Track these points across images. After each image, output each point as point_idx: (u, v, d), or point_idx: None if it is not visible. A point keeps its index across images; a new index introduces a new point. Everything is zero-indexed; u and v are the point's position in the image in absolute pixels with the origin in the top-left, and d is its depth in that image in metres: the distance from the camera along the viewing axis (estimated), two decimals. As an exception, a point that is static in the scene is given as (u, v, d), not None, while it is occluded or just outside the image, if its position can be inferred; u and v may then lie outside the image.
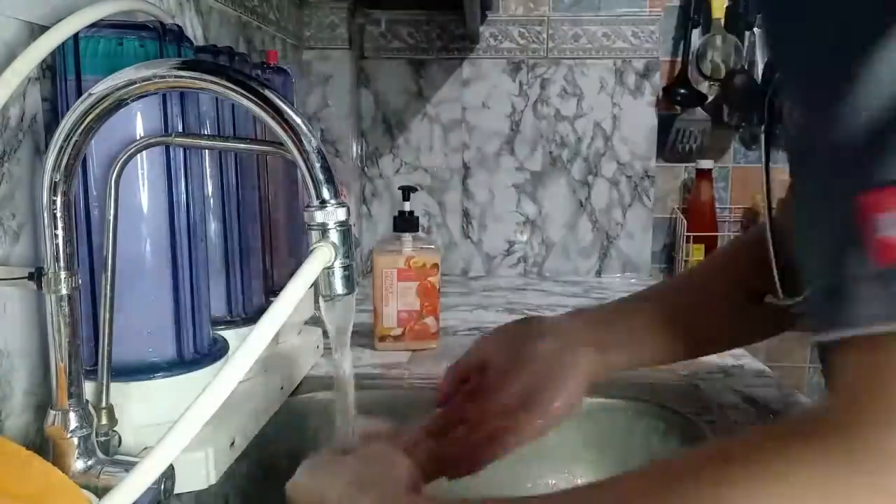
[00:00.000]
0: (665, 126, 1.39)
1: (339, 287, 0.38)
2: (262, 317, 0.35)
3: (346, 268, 0.38)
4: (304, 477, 0.44)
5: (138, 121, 0.47)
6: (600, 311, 0.62)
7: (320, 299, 0.39)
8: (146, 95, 0.42)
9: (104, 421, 0.46)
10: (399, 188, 0.92)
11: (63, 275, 0.42)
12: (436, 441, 0.55)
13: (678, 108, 1.41)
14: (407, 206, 0.89)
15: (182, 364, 0.50)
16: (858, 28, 0.27)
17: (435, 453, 0.53)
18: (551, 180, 1.37)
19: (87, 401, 0.44)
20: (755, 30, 1.36)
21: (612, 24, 1.33)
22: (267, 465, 0.70)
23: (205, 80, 0.38)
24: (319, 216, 0.37)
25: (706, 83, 1.40)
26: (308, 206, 0.38)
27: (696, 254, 1.41)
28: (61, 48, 0.45)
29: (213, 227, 0.60)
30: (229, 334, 0.58)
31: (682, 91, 1.39)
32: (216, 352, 0.53)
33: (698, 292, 0.62)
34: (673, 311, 0.60)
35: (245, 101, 0.37)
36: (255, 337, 0.34)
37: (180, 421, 0.34)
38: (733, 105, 1.40)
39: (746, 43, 1.37)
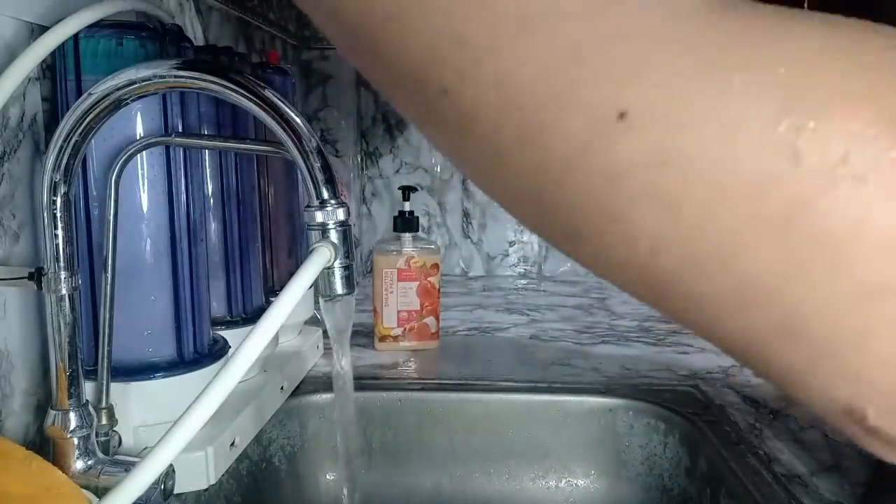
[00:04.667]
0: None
1: (339, 287, 0.38)
2: (262, 317, 0.35)
3: (346, 268, 0.38)
4: None
5: (138, 121, 0.47)
6: None
7: (320, 299, 0.39)
8: (146, 95, 0.42)
9: (104, 421, 0.46)
10: (399, 188, 0.92)
11: (63, 275, 0.42)
12: None
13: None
14: (407, 206, 0.89)
15: (182, 364, 0.50)
16: None
17: None
18: (551, 180, 1.37)
19: (87, 401, 0.44)
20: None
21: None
22: (267, 465, 0.70)
23: (205, 80, 0.38)
24: (319, 216, 0.37)
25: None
26: (308, 206, 0.38)
27: (696, 254, 1.41)
28: (61, 48, 0.45)
29: (213, 227, 0.60)
30: (229, 334, 0.57)
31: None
32: (216, 352, 0.53)
33: None
34: None
35: (245, 101, 0.37)
36: (255, 337, 0.34)
37: (180, 421, 0.34)
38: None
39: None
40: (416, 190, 0.94)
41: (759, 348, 0.18)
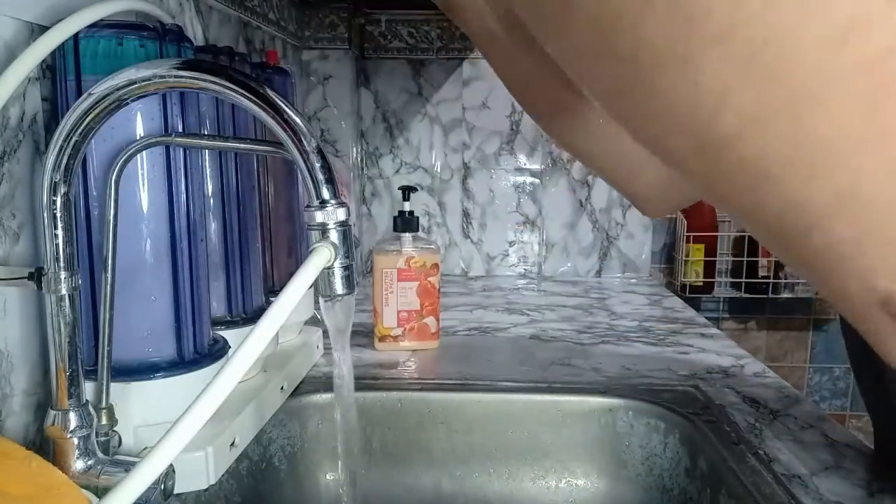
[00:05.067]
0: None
1: (339, 287, 0.38)
2: (262, 317, 0.35)
3: (346, 268, 0.38)
4: None
5: (138, 121, 0.47)
6: None
7: (320, 299, 0.39)
8: (146, 95, 0.42)
9: (104, 421, 0.46)
10: (399, 188, 0.92)
11: (63, 275, 0.42)
12: None
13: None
14: (407, 206, 0.89)
15: (182, 364, 0.50)
16: None
17: None
18: (551, 180, 1.37)
19: (87, 401, 0.44)
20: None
21: (612, 24, 1.33)
22: (267, 465, 0.70)
23: (205, 80, 0.38)
24: (319, 216, 0.37)
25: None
26: (308, 206, 0.38)
27: (696, 254, 1.41)
28: (61, 48, 0.45)
29: (213, 226, 0.60)
30: (229, 334, 0.58)
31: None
32: (216, 352, 0.53)
33: None
34: None
35: (245, 101, 0.37)
36: (255, 337, 0.34)
37: (180, 421, 0.34)
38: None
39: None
40: (416, 190, 0.94)
41: (804, 224, 0.16)
